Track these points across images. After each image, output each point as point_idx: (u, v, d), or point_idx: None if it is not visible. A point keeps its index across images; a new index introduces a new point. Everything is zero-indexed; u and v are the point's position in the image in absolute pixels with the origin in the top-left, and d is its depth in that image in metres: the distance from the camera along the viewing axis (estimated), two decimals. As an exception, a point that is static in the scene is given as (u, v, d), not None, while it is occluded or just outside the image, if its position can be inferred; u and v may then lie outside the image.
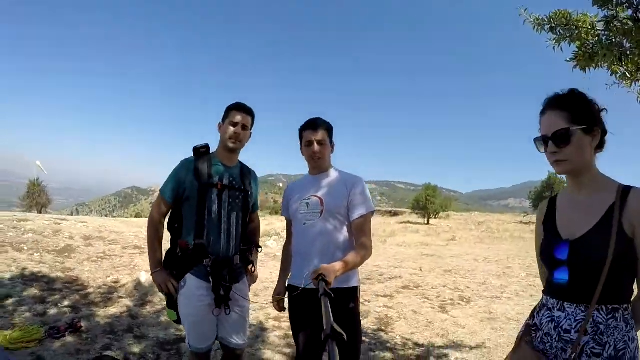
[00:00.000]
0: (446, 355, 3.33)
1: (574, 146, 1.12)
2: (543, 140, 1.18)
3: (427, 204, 22.05)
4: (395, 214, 32.14)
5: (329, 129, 2.01)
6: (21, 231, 6.70)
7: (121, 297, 4.44)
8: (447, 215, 25.34)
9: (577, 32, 2.87)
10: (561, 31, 2.94)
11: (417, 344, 3.67)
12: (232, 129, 2.00)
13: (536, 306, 1.29)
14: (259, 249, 2.24)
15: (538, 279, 5.35)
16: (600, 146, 1.17)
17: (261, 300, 4.16)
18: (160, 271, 1.99)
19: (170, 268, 2.00)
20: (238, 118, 2.01)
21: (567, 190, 1.30)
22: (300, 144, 2.03)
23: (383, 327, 4.18)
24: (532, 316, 1.29)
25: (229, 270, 1.98)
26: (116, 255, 6.30)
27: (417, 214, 23.75)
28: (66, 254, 5.94)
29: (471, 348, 3.47)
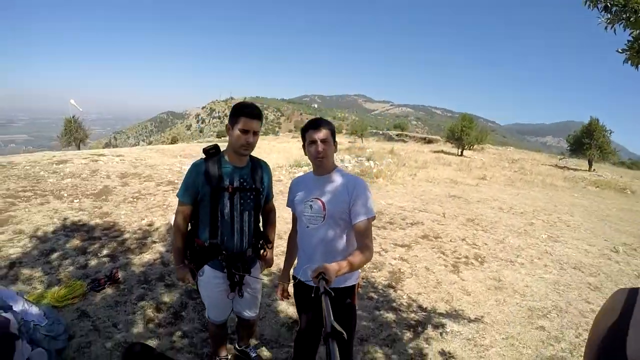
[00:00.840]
0: (443, 325, 3.57)
1: None
2: None
3: (462, 135, 21.38)
4: (430, 141, 31.60)
5: (331, 128, 2.06)
6: (60, 175, 7.28)
7: (154, 242, 4.91)
8: (482, 148, 24.66)
9: (634, 17, 2.50)
10: (617, 12, 2.57)
11: (420, 307, 3.93)
12: (243, 137, 2.02)
13: None
14: (269, 245, 2.42)
15: (557, 243, 5.40)
16: None
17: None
18: (181, 267, 2.26)
19: (189, 258, 2.26)
20: (248, 125, 2.02)
21: None
22: (304, 145, 2.10)
23: (393, 283, 4.45)
24: None
25: (242, 262, 2.23)
26: (150, 194, 6.79)
27: (451, 143, 23.21)
28: (103, 197, 6.49)
29: (469, 321, 3.68)
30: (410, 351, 3.17)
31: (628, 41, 2.50)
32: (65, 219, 5.44)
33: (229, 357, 2.74)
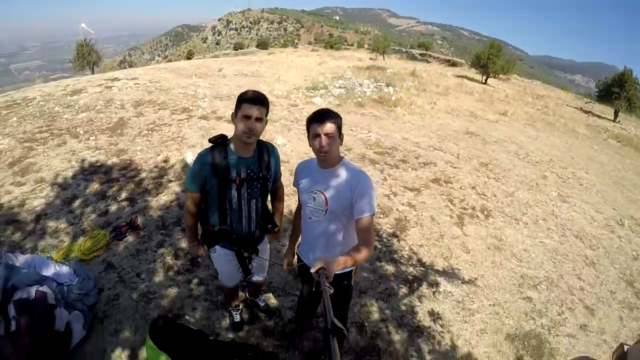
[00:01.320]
0: (437, 284, 3.76)
1: None
2: None
3: (489, 62, 20.20)
4: (454, 64, 30.04)
5: (337, 122, 1.99)
6: (75, 109, 7.27)
7: (170, 181, 5.05)
8: (508, 78, 23.47)
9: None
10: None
11: (420, 261, 4.10)
12: (245, 124, 1.97)
13: None
14: (276, 229, 2.50)
15: (566, 204, 5.37)
16: None
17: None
18: (195, 244, 2.41)
19: (201, 238, 2.41)
20: (251, 112, 1.96)
21: None
22: (308, 136, 2.05)
23: (398, 232, 4.59)
24: None
25: (250, 242, 2.36)
26: (165, 124, 6.81)
27: (476, 69, 22.08)
28: (118, 131, 6.55)
29: (463, 282, 3.86)
30: (403, 308, 3.41)
31: None
32: (82, 160, 5.54)
33: (240, 306, 3.03)
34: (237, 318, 2.97)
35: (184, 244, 3.84)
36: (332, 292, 1.53)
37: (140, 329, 2.86)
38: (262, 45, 51.29)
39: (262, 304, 3.13)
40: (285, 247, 3.29)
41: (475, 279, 3.93)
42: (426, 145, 8.02)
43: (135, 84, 9.54)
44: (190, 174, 2.14)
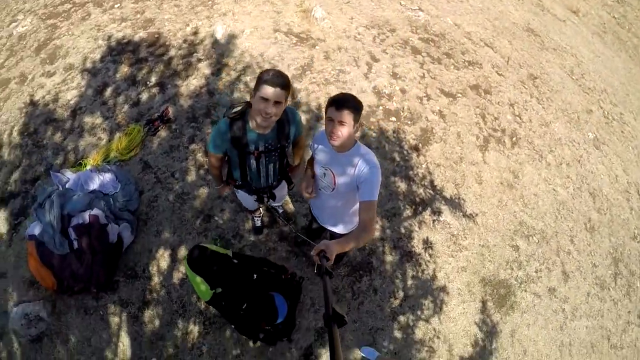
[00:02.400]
0: (440, 213, 3.84)
1: None
2: None
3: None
4: None
5: (356, 110, 1.90)
6: None
7: (200, 60, 4.69)
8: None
9: None
10: None
11: (431, 183, 4.09)
12: (262, 106, 1.84)
13: None
14: (291, 186, 2.60)
15: (597, 152, 5.26)
16: None
17: None
18: (221, 187, 2.56)
19: (225, 183, 2.55)
20: (268, 94, 1.81)
21: None
22: (325, 117, 1.99)
23: (420, 145, 4.45)
24: None
25: (269, 190, 2.49)
26: None
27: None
28: None
29: (464, 215, 3.89)
30: (402, 230, 3.59)
31: None
32: (109, 37, 5.03)
33: (262, 212, 3.31)
34: (258, 223, 3.29)
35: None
36: (332, 276, 1.61)
37: (178, 230, 3.18)
38: None
39: (281, 210, 3.41)
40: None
41: (477, 215, 3.94)
42: (478, 37, 7.02)
43: None
44: (212, 141, 2.13)
